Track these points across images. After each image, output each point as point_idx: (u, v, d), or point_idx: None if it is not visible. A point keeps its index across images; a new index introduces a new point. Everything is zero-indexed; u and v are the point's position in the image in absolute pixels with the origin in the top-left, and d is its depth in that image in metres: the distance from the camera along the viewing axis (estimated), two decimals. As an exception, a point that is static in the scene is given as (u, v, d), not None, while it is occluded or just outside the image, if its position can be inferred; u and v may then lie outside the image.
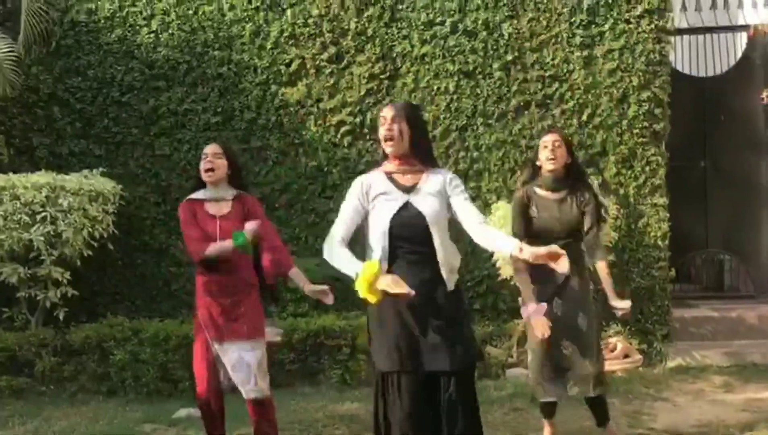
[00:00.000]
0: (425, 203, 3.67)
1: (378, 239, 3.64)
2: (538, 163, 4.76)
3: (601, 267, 4.81)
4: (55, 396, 6.52)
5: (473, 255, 7.35)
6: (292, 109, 7.58)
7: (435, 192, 3.71)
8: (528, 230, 4.67)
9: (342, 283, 7.36)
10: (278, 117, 7.58)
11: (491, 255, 7.03)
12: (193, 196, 4.60)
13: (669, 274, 7.53)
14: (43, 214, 6.36)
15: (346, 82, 7.56)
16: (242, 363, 4.49)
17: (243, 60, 7.59)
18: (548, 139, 4.68)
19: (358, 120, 7.55)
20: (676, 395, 6.26)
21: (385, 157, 3.78)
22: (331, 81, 7.57)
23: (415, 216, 3.64)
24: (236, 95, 7.60)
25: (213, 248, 4.39)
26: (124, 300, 7.61)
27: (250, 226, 4.37)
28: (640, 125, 7.40)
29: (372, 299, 3.47)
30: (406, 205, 3.65)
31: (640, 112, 7.40)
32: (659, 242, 7.47)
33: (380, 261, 3.59)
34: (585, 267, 4.83)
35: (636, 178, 7.44)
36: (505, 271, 6.81)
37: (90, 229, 6.68)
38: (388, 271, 3.58)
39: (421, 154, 3.77)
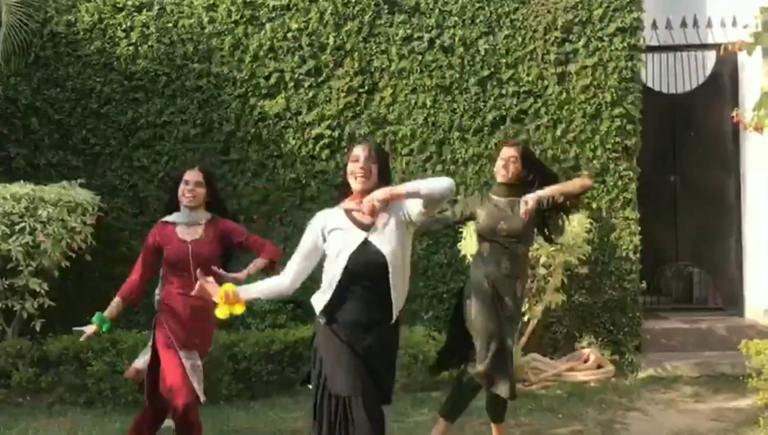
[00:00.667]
0: (384, 241, 3.66)
1: (332, 274, 3.66)
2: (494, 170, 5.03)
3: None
4: (32, 407, 6.49)
5: (449, 266, 7.47)
6: (270, 121, 7.64)
7: (394, 226, 3.70)
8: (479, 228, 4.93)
9: None
10: (257, 129, 7.63)
11: (468, 267, 7.08)
12: (168, 218, 4.78)
13: (640, 286, 7.66)
14: (22, 224, 6.35)
15: (324, 96, 7.63)
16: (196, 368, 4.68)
17: (222, 72, 7.64)
18: (504, 154, 4.92)
19: (336, 133, 7.61)
20: (648, 405, 6.39)
21: (343, 194, 3.80)
22: (310, 94, 7.64)
23: (374, 254, 3.63)
24: (215, 107, 7.65)
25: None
26: (102, 311, 7.52)
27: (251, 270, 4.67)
28: (613, 140, 7.55)
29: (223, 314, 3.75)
30: (365, 243, 3.65)
31: (613, 128, 7.55)
32: (630, 255, 7.60)
33: (324, 294, 3.72)
34: (525, 273, 5.08)
35: (608, 192, 7.59)
36: None
37: (68, 240, 6.66)
38: (338, 306, 3.68)
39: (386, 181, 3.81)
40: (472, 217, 5.00)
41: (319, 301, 3.76)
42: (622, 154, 7.58)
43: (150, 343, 4.85)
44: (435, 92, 7.62)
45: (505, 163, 4.88)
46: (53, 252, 6.50)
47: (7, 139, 7.71)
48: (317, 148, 7.62)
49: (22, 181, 6.76)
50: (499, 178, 4.94)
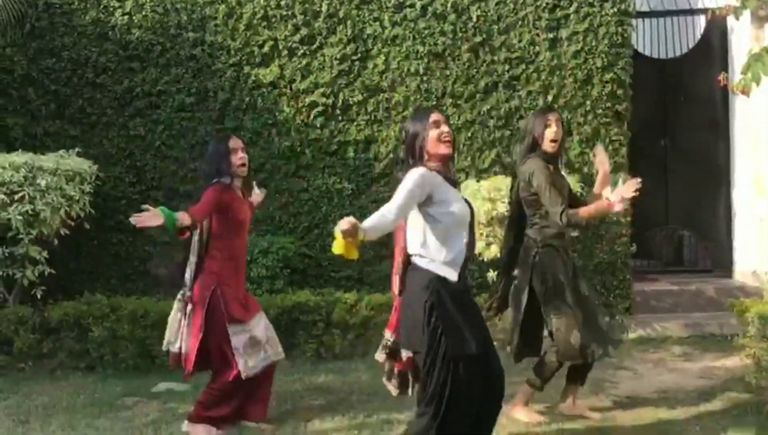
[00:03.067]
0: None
1: (458, 231, 3.79)
2: (540, 140, 4.92)
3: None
4: (34, 372, 6.55)
5: None
6: (265, 90, 7.64)
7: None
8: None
9: (314, 261, 7.64)
10: (252, 98, 7.64)
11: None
12: (226, 181, 4.86)
13: (630, 249, 7.69)
14: (21, 193, 6.38)
15: (318, 64, 7.63)
16: (265, 329, 4.97)
17: (216, 41, 7.63)
18: (552, 118, 4.90)
19: (330, 101, 7.62)
20: (638, 364, 6.47)
21: (418, 161, 3.82)
22: (304, 62, 7.63)
23: (468, 206, 3.88)
24: (210, 76, 7.65)
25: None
26: (100, 278, 7.64)
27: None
28: (604, 106, 7.58)
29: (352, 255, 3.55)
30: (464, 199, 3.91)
31: (604, 93, 7.58)
32: (621, 219, 7.61)
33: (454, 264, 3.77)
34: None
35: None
36: (485, 254, 6.89)
37: (67, 209, 6.70)
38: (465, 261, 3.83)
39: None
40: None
41: (449, 270, 3.77)
42: (613, 119, 7.61)
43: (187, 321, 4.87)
44: (427, 59, 7.62)
45: (556, 132, 4.86)
46: (52, 220, 6.53)
47: (4, 109, 7.71)
48: (311, 116, 7.63)
49: (20, 151, 6.78)
50: (551, 149, 4.90)
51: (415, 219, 3.80)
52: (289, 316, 6.76)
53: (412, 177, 3.70)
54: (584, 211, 4.81)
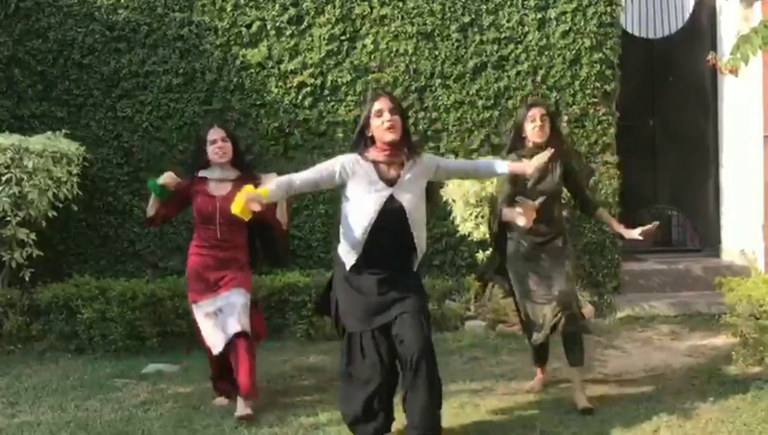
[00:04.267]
0: (406, 197, 3.99)
1: (357, 229, 3.98)
2: (523, 134, 4.97)
3: (601, 213, 5.25)
4: (23, 354, 6.52)
5: (432, 213, 7.49)
6: (253, 70, 7.60)
7: (416, 180, 4.05)
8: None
9: (304, 242, 7.63)
10: (240, 78, 7.60)
11: (449, 212, 7.19)
12: (201, 173, 5.01)
13: None
14: (8, 175, 6.35)
15: (306, 44, 7.59)
16: (230, 305, 4.91)
17: (204, 21, 7.58)
18: (536, 113, 4.91)
19: (318, 81, 7.60)
20: (626, 343, 6.53)
21: (363, 144, 4.04)
22: (292, 42, 7.59)
23: (397, 209, 3.95)
24: (197, 57, 7.60)
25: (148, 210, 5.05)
26: (89, 260, 7.61)
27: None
28: (592, 86, 7.61)
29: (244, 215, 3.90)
30: (390, 199, 3.95)
31: (592, 73, 7.60)
32: (610, 199, 7.69)
33: (355, 245, 4.03)
34: (564, 228, 5.14)
35: (587, 136, 7.65)
36: (463, 228, 6.97)
37: (55, 191, 6.68)
38: (363, 259, 4.04)
39: (408, 143, 4.09)
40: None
41: (348, 256, 4.09)
42: (601, 99, 7.64)
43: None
44: (416, 39, 7.60)
45: (541, 125, 4.88)
46: (40, 202, 6.51)
47: (-10, 91, 7.63)
48: (300, 97, 7.60)
49: (6, 133, 6.74)
50: (537, 139, 4.90)
51: None
52: (279, 297, 6.79)
53: (331, 160, 4.10)
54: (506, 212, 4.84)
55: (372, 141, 4.05)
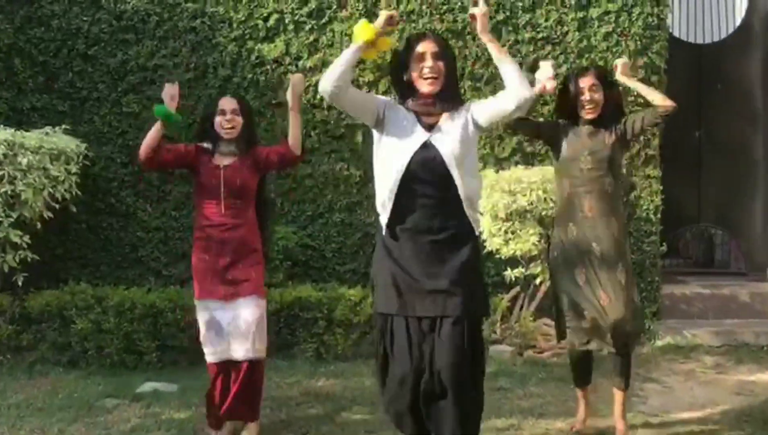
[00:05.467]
0: (445, 143, 3.49)
1: (388, 180, 3.49)
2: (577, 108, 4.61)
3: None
4: (12, 366, 6.23)
5: None
6: (269, 66, 7.28)
7: (459, 128, 3.53)
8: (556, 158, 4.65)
9: (318, 252, 7.32)
10: (254, 75, 7.28)
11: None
12: (205, 144, 4.58)
13: (660, 249, 7.36)
14: (1, 173, 6.02)
15: (327, 40, 7.27)
16: (242, 322, 4.45)
17: (218, 13, 7.27)
18: (585, 84, 4.55)
19: None
20: (666, 376, 6.14)
21: (404, 97, 3.61)
22: (311, 38, 7.28)
23: (435, 157, 3.47)
24: (210, 51, 7.29)
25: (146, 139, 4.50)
26: (88, 266, 7.30)
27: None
28: (636, 93, 7.04)
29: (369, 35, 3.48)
30: (426, 145, 3.47)
31: (637, 80, 7.07)
32: (651, 215, 7.33)
33: (385, 201, 3.54)
34: (620, 210, 4.67)
35: (629, 147, 7.21)
36: (491, 244, 6.60)
37: (51, 190, 6.34)
38: (398, 218, 3.51)
39: (451, 95, 3.61)
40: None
41: (382, 214, 3.58)
42: (646, 108, 7.15)
43: None
44: (446, 37, 7.13)
45: (590, 97, 4.53)
46: (34, 202, 6.17)
47: (-11, 81, 7.35)
48: (318, 96, 7.16)
49: (2, 127, 6.41)
50: (588, 116, 4.56)
51: None
52: (289, 313, 6.49)
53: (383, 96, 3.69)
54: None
55: (411, 89, 3.57)
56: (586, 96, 4.55)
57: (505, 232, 6.44)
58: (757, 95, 8.24)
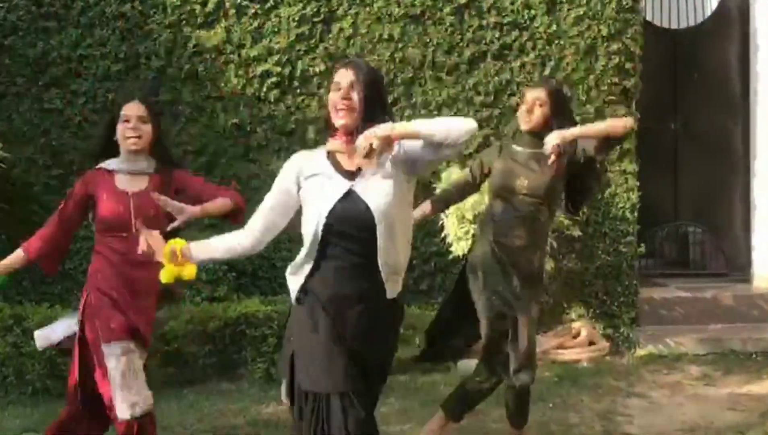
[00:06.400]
0: (373, 192, 3.01)
1: (308, 235, 3.00)
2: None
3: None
4: None
5: (421, 228, 6.82)
6: (208, 56, 6.91)
7: (387, 174, 3.04)
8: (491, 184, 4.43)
9: (267, 262, 6.85)
10: (192, 65, 6.91)
11: (440, 229, 6.45)
12: (104, 165, 3.94)
13: (638, 250, 7.13)
14: None
15: (272, 26, 6.91)
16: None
17: (150, -3, 6.93)
18: (529, 97, 4.30)
19: (286, 71, 6.91)
20: (651, 389, 5.86)
21: (330, 131, 3.12)
22: (255, 24, 6.91)
23: (360, 208, 2.99)
24: (142, 39, 6.90)
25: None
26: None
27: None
28: (609, 81, 7.03)
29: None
30: (349, 194, 3.00)
31: (609, 67, 7.03)
32: (627, 214, 7.11)
33: (303, 262, 3.06)
34: (544, 244, 4.48)
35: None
36: (457, 248, 6.23)
37: (-37, 197, 5.84)
38: (318, 278, 3.03)
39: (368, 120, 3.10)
40: (489, 173, 4.43)
41: (296, 274, 3.09)
42: (620, 98, 7.04)
43: (76, 321, 3.97)
44: (403, 23, 6.91)
45: (529, 107, 4.27)
46: (-58, 210, 5.65)
47: None
48: (264, 89, 6.92)
49: None
50: (523, 126, 4.32)
51: None
52: (234, 330, 6.05)
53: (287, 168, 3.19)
54: None
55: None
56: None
57: (472, 235, 5.99)
58: (735, 83, 8.04)
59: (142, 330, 3.85)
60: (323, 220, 2.95)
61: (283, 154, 6.77)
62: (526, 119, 4.26)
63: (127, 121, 3.87)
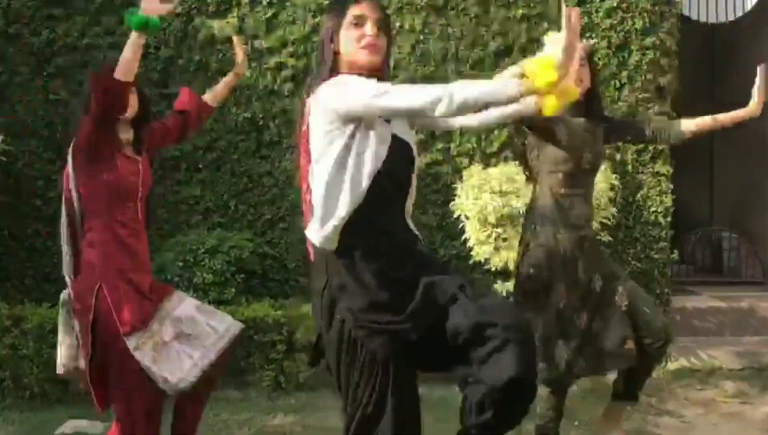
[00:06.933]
0: (405, 131, 2.90)
1: (355, 184, 2.74)
2: None
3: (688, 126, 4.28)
4: None
5: (440, 230, 6.66)
6: (220, 47, 6.72)
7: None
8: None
9: (278, 262, 6.70)
10: (203, 56, 6.73)
11: (461, 232, 6.22)
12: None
13: (671, 256, 6.88)
14: None
15: (287, 16, 6.72)
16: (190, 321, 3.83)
17: (160, -16, 6.63)
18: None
19: (301, 63, 6.71)
20: (683, 407, 5.58)
21: (332, 71, 2.86)
22: (269, 13, 6.72)
23: (404, 149, 2.87)
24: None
25: (123, 59, 3.45)
26: (10, 278, 6.68)
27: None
28: (643, 77, 6.76)
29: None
30: (394, 138, 2.84)
31: (644, 62, 6.75)
32: (660, 218, 6.82)
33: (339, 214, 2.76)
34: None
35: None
36: (479, 253, 6.01)
37: (-38, 192, 5.71)
38: (365, 228, 2.78)
39: (387, 68, 3.00)
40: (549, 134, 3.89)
41: (332, 227, 2.77)
42: (654, 95, 6.77)
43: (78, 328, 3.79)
44: (425, 13, 6.70)
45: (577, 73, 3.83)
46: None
47: None
48: (278, 82, 6.73)
49: None
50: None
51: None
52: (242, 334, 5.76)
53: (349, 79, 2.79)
54: None
55: (336, 64, 2.89)
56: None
57: (495, 239, 5.92)
58: (776, 82, 7.72)
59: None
60: (377, 167, 2.79)
61: (297, 150, 6.65)
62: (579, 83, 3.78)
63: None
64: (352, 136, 2.71)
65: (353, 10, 2.81)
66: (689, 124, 4.21)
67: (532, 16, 6.72)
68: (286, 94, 6.70)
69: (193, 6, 6.70)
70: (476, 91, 2.56)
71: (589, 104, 3.95)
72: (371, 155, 2.72)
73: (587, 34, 6.66)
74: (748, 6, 7.91)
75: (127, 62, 3.42)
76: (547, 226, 3.94)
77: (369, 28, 2.80)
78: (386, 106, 2.62)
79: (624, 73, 6.71)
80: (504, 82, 2.66)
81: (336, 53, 2.84)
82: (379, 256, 2.75)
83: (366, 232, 2.74)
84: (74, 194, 3.78)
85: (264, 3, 6.72)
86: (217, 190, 6.70)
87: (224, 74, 6.48)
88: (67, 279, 3.87)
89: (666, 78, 6.75)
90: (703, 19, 7.87)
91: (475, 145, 6.68)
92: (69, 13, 6.72)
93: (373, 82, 2.68)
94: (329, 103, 2.70)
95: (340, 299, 2.74)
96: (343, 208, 2.70)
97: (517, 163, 6.10)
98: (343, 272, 2.73)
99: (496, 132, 6.67)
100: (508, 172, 6.01)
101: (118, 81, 3.42)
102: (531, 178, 4.16)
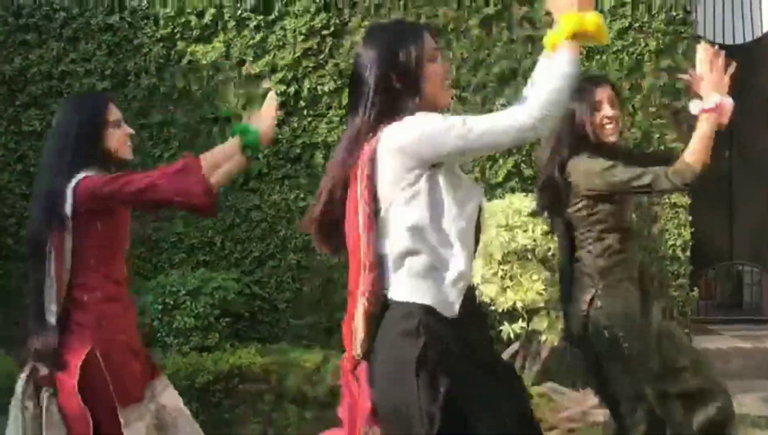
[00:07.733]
0: None
1: (460, 235, 2.58)
2: (585, 128, 3.72)
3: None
4: None
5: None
6: (205, 73, 6.69)
7: None
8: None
9: (268, 303, 6.55)
10: (186, 83, 6.70)
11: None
12: (87, 172, 3.36)
13: (691, 294, 6.69)
14: None
15: (276, 40, 6.68)
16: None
17: (140, 7, 6.75)
18: (603, 94, 3.71)
19: (292, 89, 6.65)
20: None
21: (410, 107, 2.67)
22: (257, 37, 6.68)
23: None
24: (131, 54, 6.73)
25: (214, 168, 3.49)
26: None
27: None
28: (657, 102, 6.67)
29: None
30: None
31: (658, 85, 6.65)
32: (679, 253, 6.66)
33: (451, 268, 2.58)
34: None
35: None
36: (485, 291, 5.76)
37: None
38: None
39: None
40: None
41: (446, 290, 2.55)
42: (670, 120, 6.67)
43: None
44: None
45: (611, 115, 3.71)
46: None
47: None
48: None
49: None
50: (609, 137, 3.73)
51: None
52: (226, 385, 5.68)
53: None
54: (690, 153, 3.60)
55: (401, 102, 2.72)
56: (606, 111, 3.70)
57: (502, 277, 5.70)
58: (796, 107, 7.79)
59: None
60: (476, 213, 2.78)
61: (287, 182, 6.65)
62: (611, 127, 3.69)
63: (116, 124, 3.51)
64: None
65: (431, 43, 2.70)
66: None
67: (537, 37, 6.55)
68: (276, 122, 6.50)
69: (176, 31, 6.68)
70: (544, 93, 2.46)
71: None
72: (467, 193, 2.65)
73: (596, 57, 6.64)
74: (766, 27, 7.90)
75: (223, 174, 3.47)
76: None
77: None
78: (486, 144, 2.55)
79: (638, 97, 6.63)
80: (547, 63, 2.53)
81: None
82: None
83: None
84: (67, 248, 3.32)
85: (251, 27, 6.69)
86: (202, 226, 6.62)
87: (208, 101, 6.50)
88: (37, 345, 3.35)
89: (682, 102, 6.60)
90: (719, 40, 7.74)
91: (478, 176, 6.57)
92: (43, 39, 6.74)
93: (460, 120, 2.54)
94: (410, 146, 2.52)
95: None
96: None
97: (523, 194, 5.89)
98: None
99: (500, 160, 6.59)
100: (515, 204, 5.83)
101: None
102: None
